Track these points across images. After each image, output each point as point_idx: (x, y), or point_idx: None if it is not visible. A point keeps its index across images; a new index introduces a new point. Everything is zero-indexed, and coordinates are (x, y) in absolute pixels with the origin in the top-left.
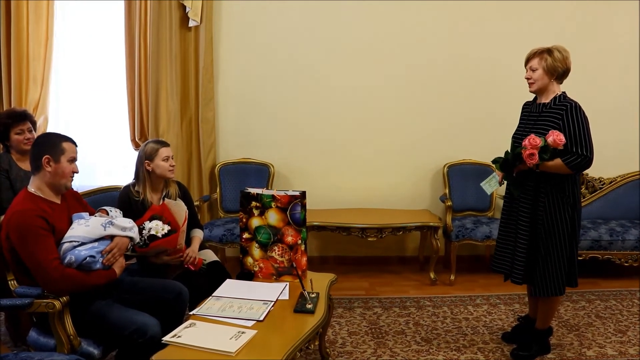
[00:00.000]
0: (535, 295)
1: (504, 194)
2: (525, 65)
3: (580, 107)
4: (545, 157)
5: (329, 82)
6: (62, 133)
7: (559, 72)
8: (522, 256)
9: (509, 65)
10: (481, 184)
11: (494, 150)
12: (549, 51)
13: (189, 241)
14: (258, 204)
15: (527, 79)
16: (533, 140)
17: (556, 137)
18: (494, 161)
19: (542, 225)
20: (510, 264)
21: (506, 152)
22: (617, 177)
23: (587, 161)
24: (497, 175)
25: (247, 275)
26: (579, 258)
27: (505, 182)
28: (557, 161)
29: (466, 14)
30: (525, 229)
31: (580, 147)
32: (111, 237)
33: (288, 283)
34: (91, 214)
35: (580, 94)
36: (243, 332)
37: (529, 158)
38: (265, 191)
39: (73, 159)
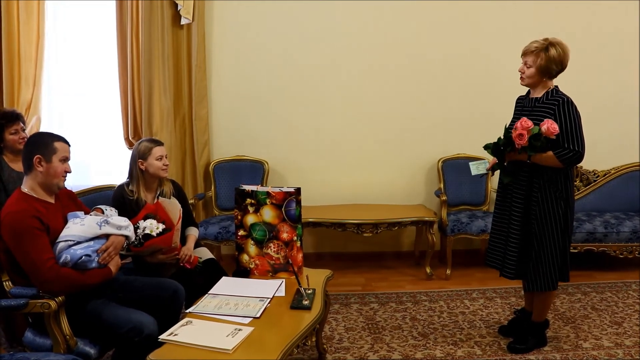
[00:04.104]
0: (528, 290)
1: (497, 188)
2: (521, 56)
3: (572, 102)
4: (537, 144)
5: (322, 78)
6: (55, 133)
7: (552, 73)
8: (514, 251)
9: (503, 60)
10: (470, 163)
11: None
12: (546, 48)
13: (184, 239)
14: (253, 201)
15: (520, 72)
16: (525, 122)
17: (550, 126)
18: (486, 146)
19: (535, 220)
20: (502, 258)
21: (499, 138)
22: (611, 170)
23: (578, 156)
24: (487, 162)
25: (243, 272)
26: (574, 251)
27: (497, 171)
28: (549, 153)
29: (460, 10)
30: (517, 224)
31: (571, 143)
32: (106, 236)
33: (284, 280)
34: (86, 213)
35: (574, 88)
36: (240, 330)
37: (518, 138)
38: (260, 188)
39: (65, 159)
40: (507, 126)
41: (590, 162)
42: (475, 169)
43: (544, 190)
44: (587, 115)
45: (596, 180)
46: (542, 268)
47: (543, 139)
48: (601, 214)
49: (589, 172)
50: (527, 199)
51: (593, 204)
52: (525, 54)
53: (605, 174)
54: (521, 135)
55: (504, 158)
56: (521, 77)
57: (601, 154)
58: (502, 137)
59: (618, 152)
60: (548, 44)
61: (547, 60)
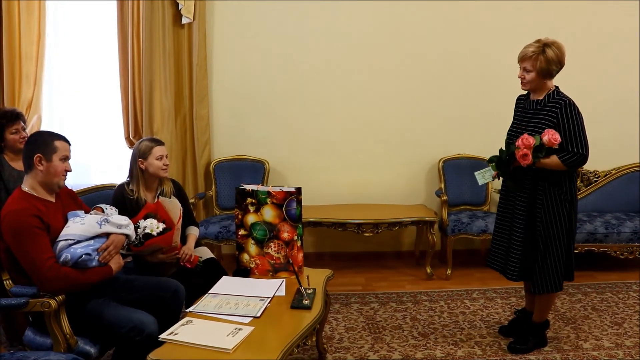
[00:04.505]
0: (534, 293)
1: (499, 189)
2: (518, 62)
3: (574, 104)
4: (540, 155)
5: (323, 78)
6: (56, 131)
7: (553, 74)
8: (518, 253)
9: (503, 60)
10: (475, 173)
11: (488, 145)
12: (543, 51)
13: (184, 239)
14: (253, 201)
15: (521, 78)
16: (526, 140)
17: (551, 137)
18: (490, 160)
19: (540, 222)
20: (504, 260)
21: (501, 150)
22: (612, 170)
23: (583, 159)
24: (492, 169)
25: (243, 272)
26: (575, 251)
27: (501, 177)
28: (554, 158)
29: (460, 10)
30: (521, 226)
31: (575, 145)
32: (107, 235)
33: (284, 279)
34: (86, 212)
35: (575, 88)
36: (240, 329)
37: (522, 159)
38: (260, 187)
39: (66, 158)
40: (507, 138)
41: (591, 162)
42: (482, 178)
43: (549, 193)
44: (588, 116)
45: (597, 181)
46: (547, 270)
47: (546, 149)
48: (602, 214)
49: (590, 172)
50: (531, 202)
51: (594, 205)
52: (522, 59)
53: (606, 175)
54: (525, 156)
55: (509, 169)
56: (522, 83)
57: (602, 154)
58: (503, 149)
59: (619, 152)
60: (543, 46)
61: (547, 62)
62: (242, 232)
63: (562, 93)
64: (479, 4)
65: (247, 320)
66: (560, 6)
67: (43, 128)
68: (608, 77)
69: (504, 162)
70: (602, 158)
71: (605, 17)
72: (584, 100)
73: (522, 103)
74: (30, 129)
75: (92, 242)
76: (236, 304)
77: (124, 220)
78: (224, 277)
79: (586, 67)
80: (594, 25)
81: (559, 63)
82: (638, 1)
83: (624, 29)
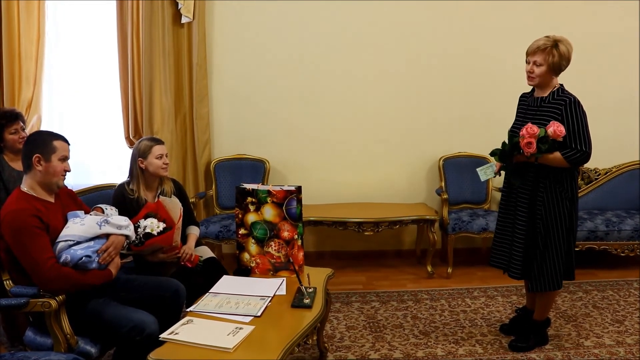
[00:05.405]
0: (532, 291)
1: (501, 187)
2: (528, 56)
3: (579, 101)
4: (543, 147)
5: (323, 76)
6: (55, 131)
7: (562, 70)
8: (520, 251)
9: (504, 59)
10: (477, 169)
11: (489, 143)
12: (555, 45)
13: (185, 238)
14: (254, 200)
15: (529, 72)
16: (530, 129)
17: (556, 128)
18: (492, 153)
19: (540, 219)
20: (508, 258)
21: (503, 143)
22: (612, 168)
23: (586, 156)
24: (494, 165)
25: (244, 271)
26: (576, 249)
27: (502, 173)
28: (556, 154)
29: (461, 10)
30: (523, 224)
31: (579, 143)
32: (107, 236)
33: (285, 278)
34: (86, 212)
35: (575, 87)
36: (241, 328)
37: (526, 147)
38: (260, 186)
39: (65, 158)
40: (510, 130)
41: (592, 160)
42: (484, 174)
43: (550, 190)
44: (588, 114)
45: (597, 179)
46: (546, 268)
47: (550, 141)
48: (602, 212)
49: (591, 170)
50: (532, 199)
51: (594, 202)
52: (533, 52)
53: (607, 172)
54: (529, 144)
55: (511, 162)
56: (530, 77)
57: (602, 152)
58: (506, 142)
59: (619, 150)
60: (555, 41)
61: (559, 57)
62: (242, 231)
63: (567, 91)
64: (478, 5)
65: (248, 319)
66: (560, 6)
67: (43, 128)
68: (608, 76)
69: (506, 154)
70: (602, 156)
71: (605, 17)
72: (585, 99)
73: (525, 100)
74: (30, 129)
75: (92, 243)
76: (237, 303)
77: (124, 220)
78: (224, 276)
79: (586, 66)
80: (594, 26)
81: (568, 60)
82: (638, 1)
83: (624, 29)
